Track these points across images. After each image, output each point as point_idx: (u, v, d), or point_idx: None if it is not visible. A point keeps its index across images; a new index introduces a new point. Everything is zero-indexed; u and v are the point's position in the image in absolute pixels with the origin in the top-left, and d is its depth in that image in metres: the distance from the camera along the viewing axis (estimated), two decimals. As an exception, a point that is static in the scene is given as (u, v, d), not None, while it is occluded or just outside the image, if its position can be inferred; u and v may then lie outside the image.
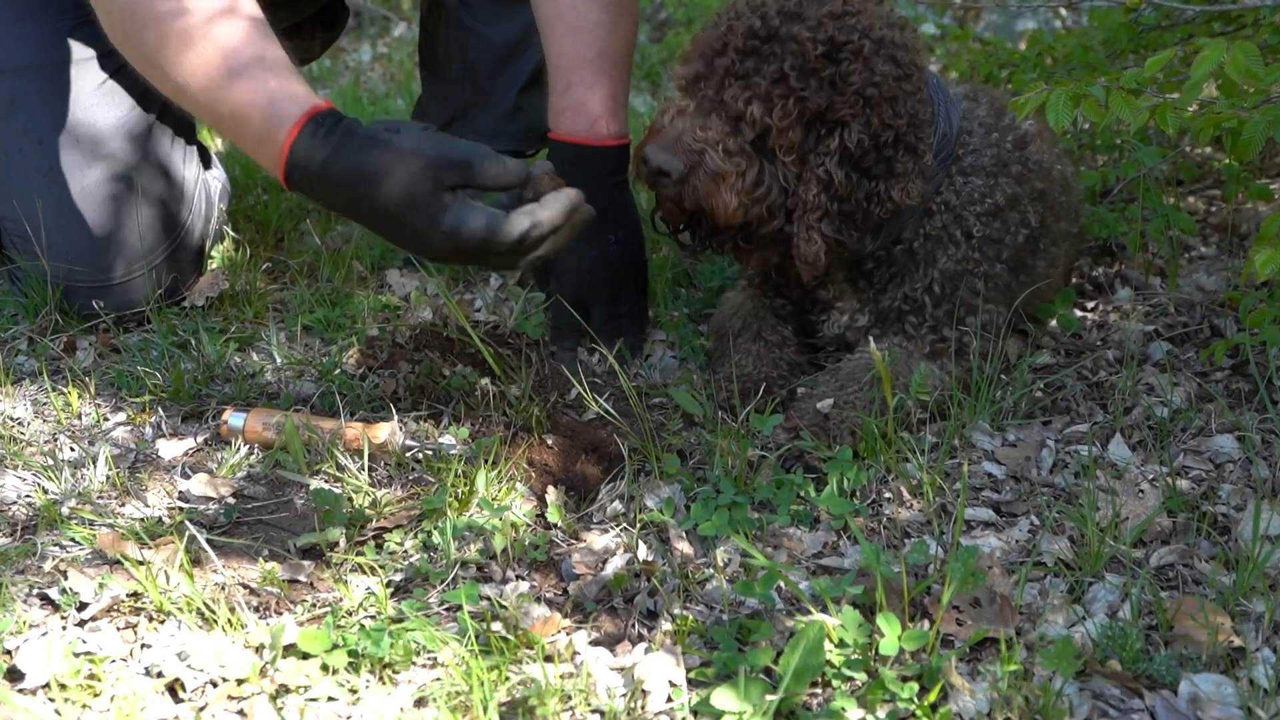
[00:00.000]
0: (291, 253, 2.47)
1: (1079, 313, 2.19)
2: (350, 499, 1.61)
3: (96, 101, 2.03)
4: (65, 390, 1.89)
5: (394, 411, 1.79)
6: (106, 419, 1.86)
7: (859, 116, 1.68)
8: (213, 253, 2.35)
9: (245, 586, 1.45)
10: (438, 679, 1.28)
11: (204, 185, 2.25)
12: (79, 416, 1.86)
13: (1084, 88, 1.39)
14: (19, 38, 2.00)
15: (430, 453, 1.69)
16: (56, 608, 1.40)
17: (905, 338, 1.87)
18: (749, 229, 1.75)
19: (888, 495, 1.63)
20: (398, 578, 1.46)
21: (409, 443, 1.71)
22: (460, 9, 2.35)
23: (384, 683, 1.29)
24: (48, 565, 1.47)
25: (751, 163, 1.70)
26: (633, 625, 1.36)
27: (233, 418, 1.77)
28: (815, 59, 1.67)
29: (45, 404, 1.89)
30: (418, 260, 2.41)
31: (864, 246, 1.78)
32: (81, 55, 2.03)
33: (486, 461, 1.64)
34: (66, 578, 1.43)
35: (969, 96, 1.93)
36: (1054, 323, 2.13)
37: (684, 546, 1.51)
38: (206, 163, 2.33)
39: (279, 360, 1.99)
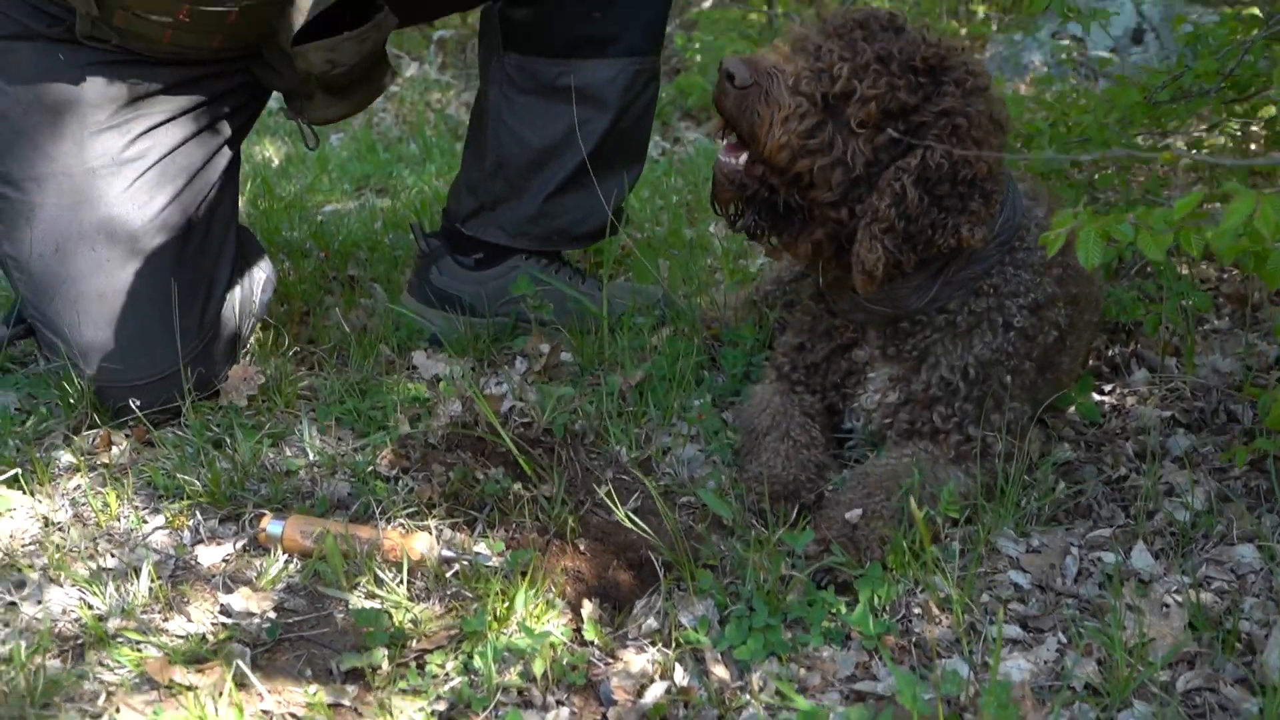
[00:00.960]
0: (318, 332, 2.50)
1: (1097, 397, 2.22)
2: (390, 615, 1.64)
3: (128, 200, 2.06)
4: (103, 490, 1.93)
5: (429, 518, 1.82)
6: (145, 522, 1.89)
7: (943, 141, 1.74)
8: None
9: (292, 716, 1.48)
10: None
11: (247, 278, 2.28)
12: (118, 519, 1.89)
13: (1112, 224, 1.43)
14: (42, 144, 2.03)
15: (467, 563, 1.73)
16: (109, 740, 1.44)
17: (931, 439, 1.90)
18: (802, 187, 1.78)
19: (917, 610, 1.66)
20: (442, 706, 1.49)
21: (446, 554, 1.75)
22: (503, 104, 2.38)
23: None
24: (100, 696, 1.51)
25: (814, 112, 1.74)
26: (673, 759, 1.40)
27: (271, 525, 1.80)
28: (921, 63, 1.75)
29: (84, 504, 1.93)
30: (443, 338, 2.45)
31: (915, 302, 1.84)
32: (109, 158, 2.05)
33: (524, 577, 1.67)
34: (119, 712, 1.46)
35: (1030, 196, 1.98)
36: (1072, 409, 2.17)
37: (720, 671, 1.54)
38: (251, 254, 2.35)
39: (312, 456, 2.02)
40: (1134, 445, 2.06)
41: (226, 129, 2.21)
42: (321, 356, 2.40)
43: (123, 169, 2.06)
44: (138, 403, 2.06)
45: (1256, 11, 2.71)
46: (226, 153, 2.22)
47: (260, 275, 2.33)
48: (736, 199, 1.84)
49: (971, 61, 1.78)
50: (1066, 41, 5.09)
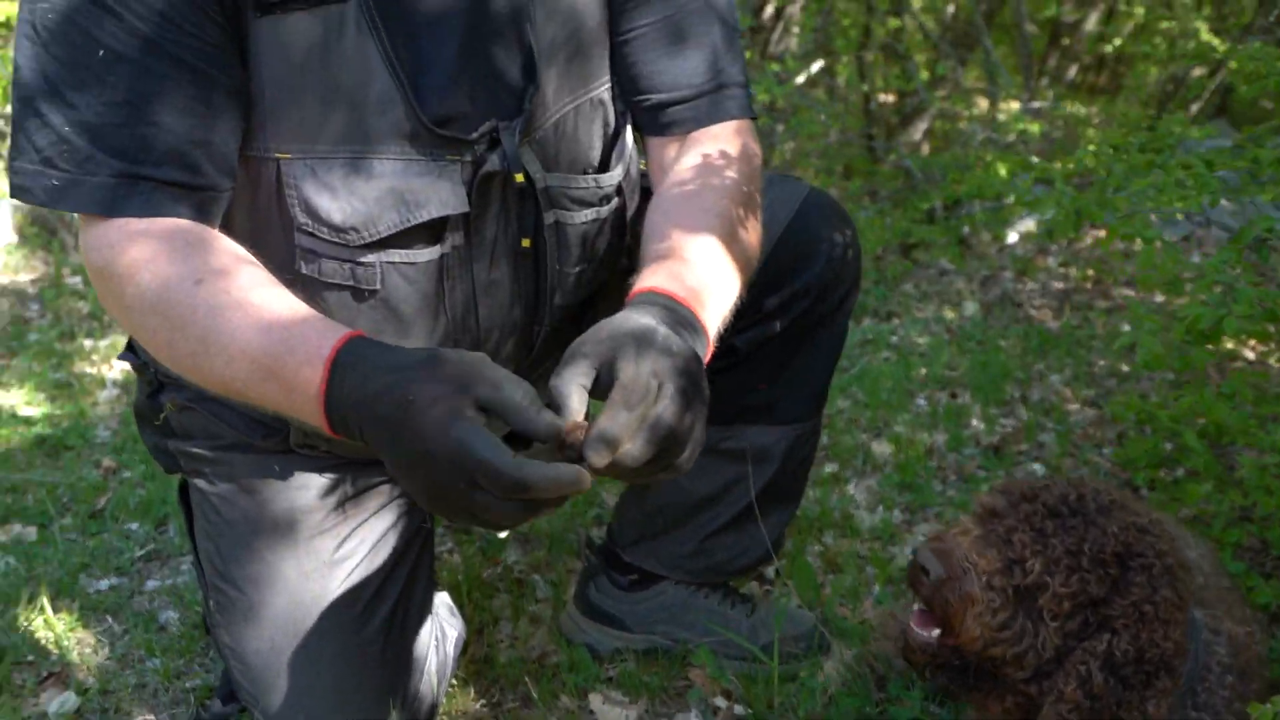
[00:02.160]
0: (494, 652, 2.61)
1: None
2: None
3: (339, 599, 2.17)
4: None
5: None
6: None
7: (1130, 628, 1.82)
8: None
9: None
10: None
11: (443, 642, 2.38)
12: None
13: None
14: (258, 549, 2.15)
15: None
16: None
17: None
18: (994, 664, 1.87)
19: None
20: None
21: None
22: (664, 460, 2.49)
23: None
24: None
25: (1007, 605, 1.83)
26: None
27: None
28: (1109, 555, 1.82)
29: None
30: (600, 653, 2.54)
31: None
32: (320, 561, 2.19)
33: None
34: None
35: (1211, 627, 2.03)
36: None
37: None
38: (441, 610, 2.45)
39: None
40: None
41: (421, 513, 2.34)
42: (501, 692, 2.51)
43: (335, 569, 2.19)
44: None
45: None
46: (423, 533, 2.34)
47: (453, 634, 2.44)
48: (929, 663, 1.92)
49: (1158, 539, 1.84)
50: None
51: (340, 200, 1.84)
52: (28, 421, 4.02)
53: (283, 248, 1.88)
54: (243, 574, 2.18)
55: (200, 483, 2.22)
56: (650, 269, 1.83)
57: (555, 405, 1.55)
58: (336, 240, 1.87)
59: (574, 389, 1.56)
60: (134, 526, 3.22)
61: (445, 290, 1.97)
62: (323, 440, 2.13)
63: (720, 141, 2.12)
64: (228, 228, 1.87)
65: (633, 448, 1.52)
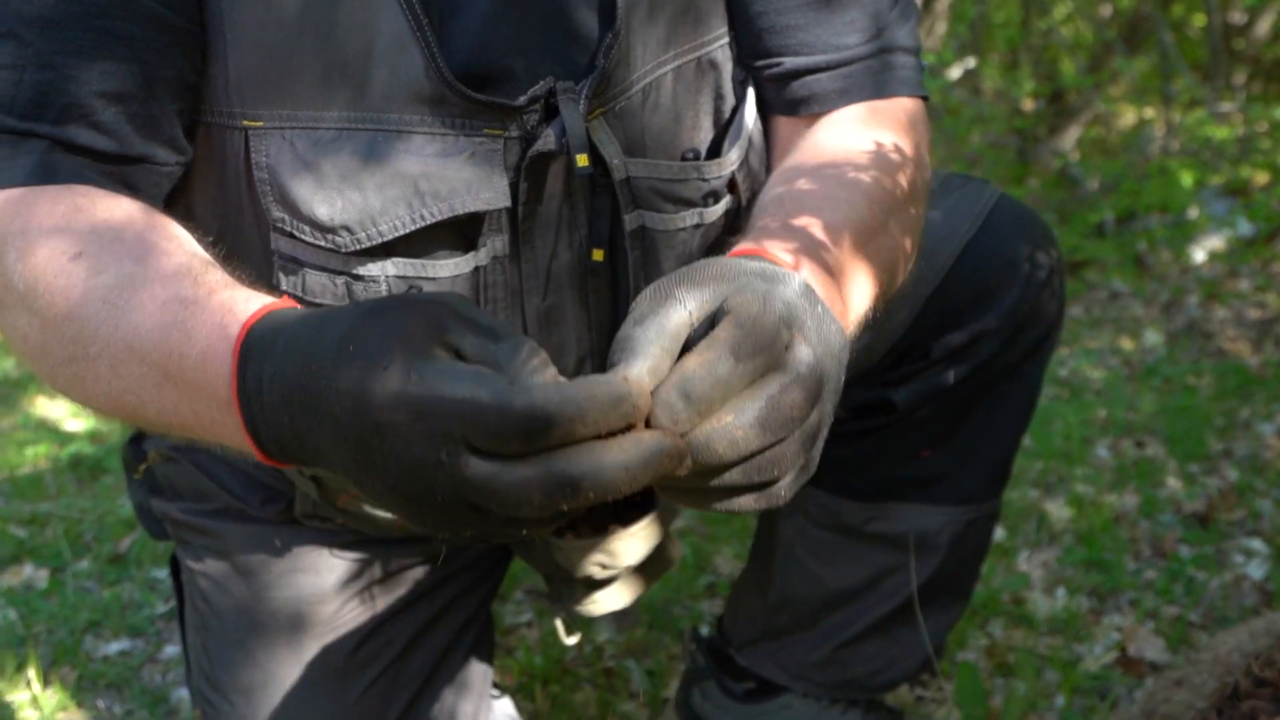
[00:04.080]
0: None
1: None
2: None
3: (355, 716, 1.66)
4: None
5: None
6: None
7: None
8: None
9: None
10: None
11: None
12: None
13: None
14: (252, 650, 1.65)
15: None
16: None
17: None
18: None
19: None
20: None
21: None
22: (797, 538, 1.88)
23: None
24: None
25: None
26: None
27: None
28: None
29: None
30: None
31: None
32: (332, 667, 1.66)
33: None
34: None
35: None
36: None
37: None
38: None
39: None
40: None
41: (472, 601, 1.79)
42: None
43: (351, 679, 1.65)
44: None
45: None
46: (475, 626, 1.80)
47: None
48: None
49: None
50: None
51: (327, 188, 1.27)
52: (67, 438, 3.59)
53: (257, 256, 1.33)
54: (233, 682, 1.66)
55: (188, 559, 1.71)
56: (762, 232, 1.22)
57: (618, 360, 0.97)
58: (323, 244, 1.30)
59: (657, 337, 0.97)
60: (160, 575, 2.73)
61: None
62: (337, 511, 1.59)
63: (875, 126, 1.48)
64: (193, 227, 1.33)
65: (735, 420, 0.92)
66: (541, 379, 0.91)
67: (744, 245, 1.19)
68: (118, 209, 1.18)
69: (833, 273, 1.20)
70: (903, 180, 1.43)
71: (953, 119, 5.18)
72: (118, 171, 1.23)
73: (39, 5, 1.17)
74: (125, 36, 1.20)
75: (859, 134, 1.45)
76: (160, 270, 1.11)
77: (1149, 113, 6.87)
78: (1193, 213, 4.98)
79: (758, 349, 0.94)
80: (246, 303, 1.06)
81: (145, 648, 2.49)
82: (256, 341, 1.01)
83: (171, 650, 2.47)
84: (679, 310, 0.99)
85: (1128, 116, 7.04)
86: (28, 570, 2.77)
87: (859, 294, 1.26)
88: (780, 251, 1.17)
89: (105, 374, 1.11)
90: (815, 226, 1.23)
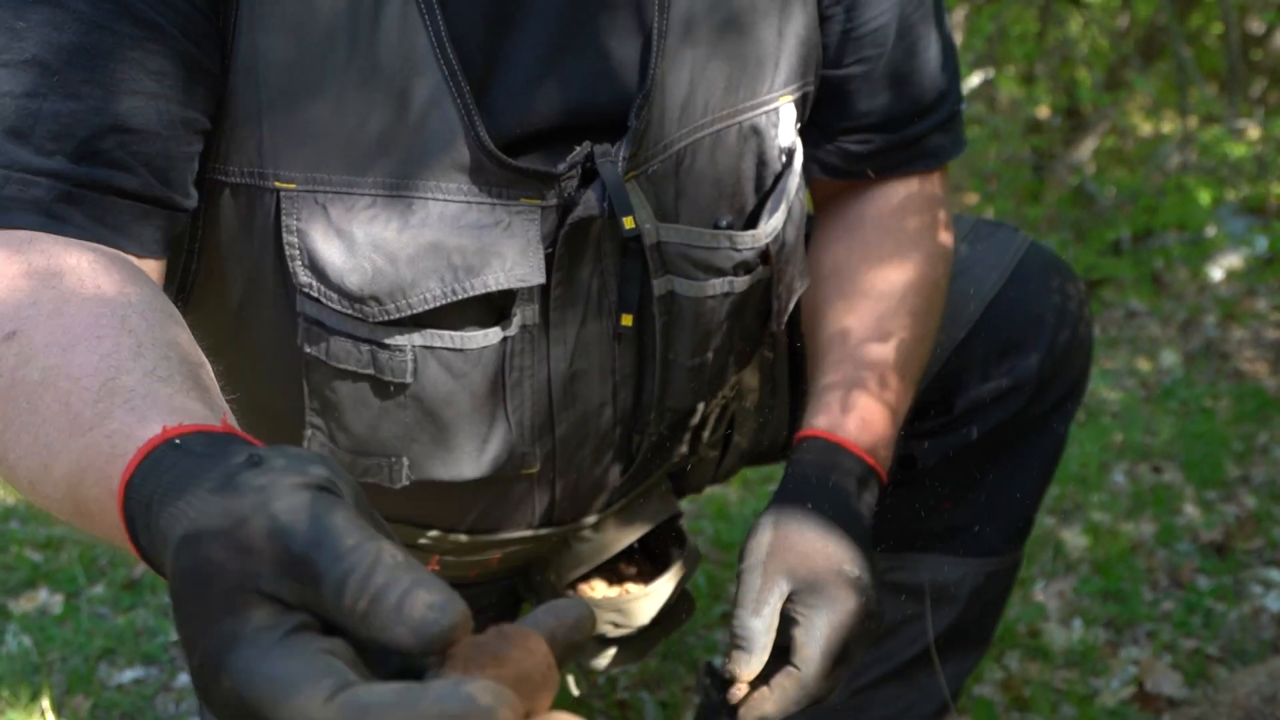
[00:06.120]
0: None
1: None
2: None
3: None
4: None
5: None
6: None
7: None
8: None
9: None
10: None
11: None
12: None
13: None
14: None
15: None
16: None
17: None
18: None
19: None
20: None
21: None
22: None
23: None
24: None
25: None
26: None
27: None
28: None
29: None
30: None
31: None
32: None
33: None
34: None
35: None
36: None
37: None
38: None
39: None
40: None
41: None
42: None
43: None
44: None
45: None
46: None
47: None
48: None
49: None
50: None
51: (358, 257, 1.24)
52: (85, 459, 3.59)
53: (281, 318, 1.30)
54: None
55: None
56: (824, 398, 1.46)
57: (735, 645, 1.34)
58: (351, 313, 1.27)
59: (766, 625, 1.35)
60: (174, 601, 2.73)
61: (507, 386, 1.36)
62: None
63: (924, 205, 1.55)
64: (211, 284, 1.31)
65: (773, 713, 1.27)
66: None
67: (818, 426, 1.45)
68: (77, 260, 1.05)
69: (893, 421, 1.47)
70: (943, 271, 1.54)
71: (968, 133, 5.17)
72: (137, 208, 1.15)
73: (71, 31, 1.10)
74: (158, 72, 1.14)
75: (911, 224, 1.53)
76: (81, 352, 0.96)
77: (1166, 126, 6.83)
78: (1210, 230, 4.95)
79: (822, 675, 1.35)
80: (135, 429, 0.87)
81: (159, 676, 2.48)
82: (136, 495, 0.83)
83: (185, 679, 2.47)
84: (778, 602, 1.34)
85: (1145, 128, 7.00)
86: (43, 595, 2.77)
87: (903, 414, 1.49)
88: (852, 434, 1.44)
89: (38, 481, 0.96)
90: (876, 383, 1.48)
